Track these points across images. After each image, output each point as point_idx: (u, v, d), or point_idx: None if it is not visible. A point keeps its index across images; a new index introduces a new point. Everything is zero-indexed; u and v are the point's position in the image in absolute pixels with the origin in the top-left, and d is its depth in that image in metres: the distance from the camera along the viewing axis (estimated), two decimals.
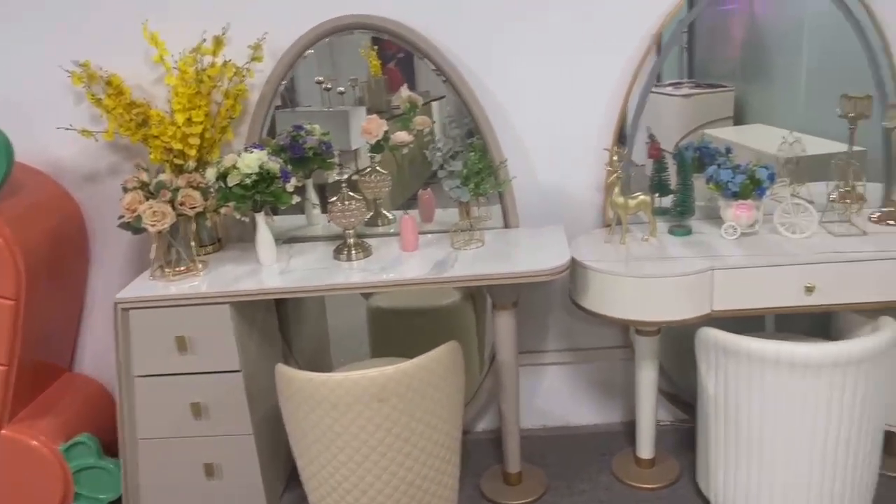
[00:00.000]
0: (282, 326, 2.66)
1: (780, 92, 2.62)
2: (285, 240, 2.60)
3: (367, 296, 2.82)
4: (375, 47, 2.56)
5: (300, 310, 2.75)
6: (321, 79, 2.55)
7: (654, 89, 2.49)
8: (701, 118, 2.62)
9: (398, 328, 2.87)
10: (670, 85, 2.61)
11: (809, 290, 2.15)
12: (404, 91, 2.54)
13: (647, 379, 2.43)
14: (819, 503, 2.07)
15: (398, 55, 2.57)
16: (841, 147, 2.42)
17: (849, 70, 2.46)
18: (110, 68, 2.40)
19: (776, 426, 2.04)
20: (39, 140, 2.55)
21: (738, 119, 2.62)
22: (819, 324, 2.50)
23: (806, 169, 2.52)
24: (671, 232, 2.44)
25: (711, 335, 2.10)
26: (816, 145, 2.53)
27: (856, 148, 2.39)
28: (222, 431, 2.34)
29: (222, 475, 2.39)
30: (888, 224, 2.36)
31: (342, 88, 2.59)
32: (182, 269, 2.31)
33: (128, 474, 2.36)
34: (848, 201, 2.36)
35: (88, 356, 2.85)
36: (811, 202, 2.34)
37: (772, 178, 2.30)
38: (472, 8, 2.43)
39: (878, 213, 2.41)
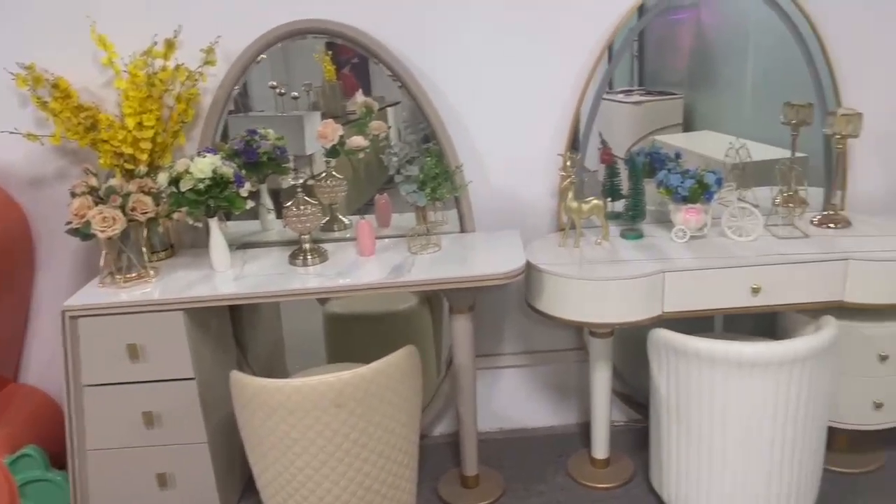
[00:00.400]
0: (236, 333, 2.62)
1: (726, 99, 2.69)
2: (239, 245, 2.57)
3: (323, 301, 2.80)
4: (330, 52, 2.56)
5: (255, 316, 2.72)
6: (275, 83, 2.54)
7: (605, 96, 2.54)
8: (651, 125, 2.68)
9: (355, 334, 2.86)
10: (621, 92, 2.66)
11: (755, 291, 2.22)
12: (359, 96, 2.54)
13: (602, 380, 2.47)
14: (767, 498, 2.14)
15: (353, 60, 2.57)
16: (784, 153, 2.50)
17: (791, 79, 2.55)
18: (57, 71, 2.34)
19: (726, 424, 2.09)
20: None
21: (687, 126, 2.68)
22: (765, 324, 2.58)
23: (751, 174, 2.60)
24: (623, 235, 2.49)
25: (662, 336, 2.15)
26: (761, 151, 2.61)
27: (798, 154, 2.48)
28: (176, 440, 2.30)
29: (176, 485, 2.34)
30: (828, 227, 2.45)
31: (296, 93, 2.58)
32: (133, 275, 2.26)
33: (77, 487, 2.30)
34: (791, 205, 2.44)
35: (34, 366, 2.77)
36: (756, 206, 2.41)
37: (719, 182, 2.37)
38: (427, 13, 2.45)
39: (819, 217, 2.50)
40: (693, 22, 2.62)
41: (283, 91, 2.56)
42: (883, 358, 2.30)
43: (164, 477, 2.33)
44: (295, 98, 2.57)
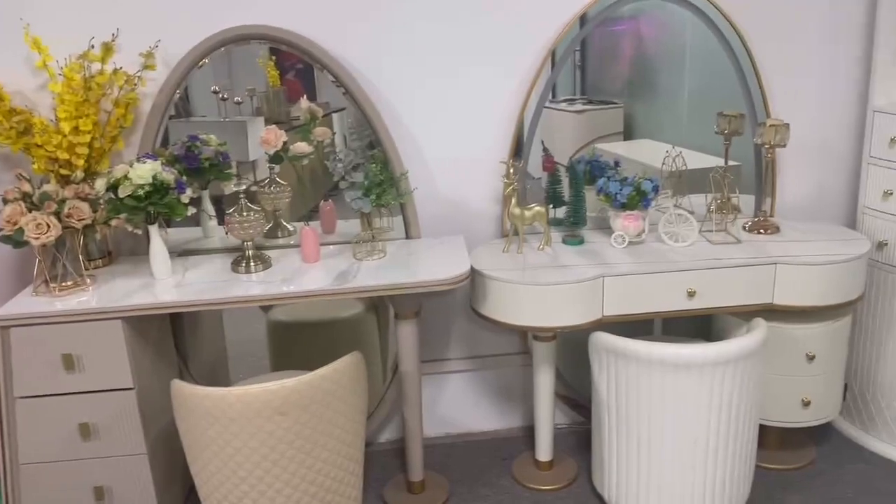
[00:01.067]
0: (177, 342, 2.57)
1: (665, 109, 2.78)
2: (180, 252, 2.53)
3: (266, 309, 2.77)
4: (274, 57, 2.55)
5: (196, 324, 2.67)
6: (217, 88, 2.51)
7: (548, 105, 2.60)
8: (593, 133, 2.75)
9: (299, 341, 2.84)
10: (564, 101, 2.72)
11: (691, 294, 2.29)
12: (304, 102, 2.53)
13: (545, 383, 2.52)
14: (703, 494, 2.21)
15: (297, 66, 2.56)
16: (719, 161, 2.60)
17: (725, 90, 2.65)
18: None
19: (664, 423, 2.16)
20: None
21: (628, 134, 2.76)
22: (702, 326, 2.66)
23: (687, 182, 2.69)
24: (565, 241, 2.54)
25: (603, 339, 2.20)
26: (697, 160, 2.70)
27: (732, 162, 2.58)
28: (113, 452, 2.24)
29: (113, 498, 2.28)
30: (759, 233, 2.55)
31: (239, 98, 2.55)
32: (69, 284, 2.20)
33: (9, 502, 2.22)
34: (724, 212, 2.54)
35: None
36: (692, 213, 2.50)
37: (656, 189, 2.44)
38: (371, 20, 2.46)
39: (751, 223, 2.60)
40: (633, 34, 2.70)
41: (225, 96, 2.54)
42: (810, 358, 2.40)
43: (101, 490, 2.27)
44: (238, 103, 2.55)
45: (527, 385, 2.85)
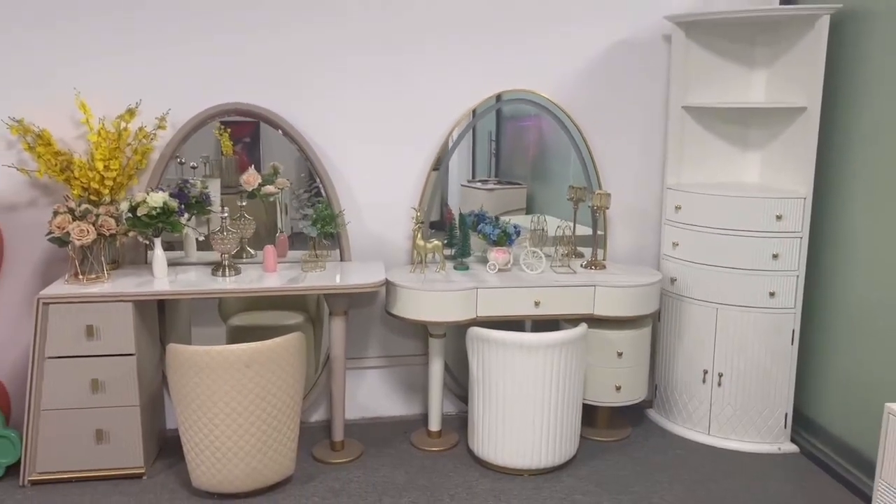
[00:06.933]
0: (161, 332, 3.39)
1: (555, 190, 3.74)
2: (168, 264, 3.37)
3: (226, 318, 3.61)
4: (228, 130, 3.38)
5: (173, 322, 3.49)
6: (177, 154, 3.33)
7: (467, 184, 3.59)
8: (501, 207, 3.68)
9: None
10: (479, 181, 3.71)
11: (537, 304, 3.29)
12: (251, 170, 3.33)
13: (437, 371, 3.44)
14: (541, 447, 3.14)
15: (245, 139, 3.40)
16: (586, 228, 3.61)
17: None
18: (40, 124, 3.14)
19: (514, 392, 3.11)
20: None
21: (529, 209, 3.70)
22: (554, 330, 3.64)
23: (547, 237, 3.66)
24: (455, 268, 3.53)
25: (475, 331, 3.17)
26: (575, 229, 3.63)
27: (587, 228, 3.60)
28: (114, 403, 3.02)
29: (110, 440, 3.04)
30: (591, 269, 3.59)
31: (195, 163, 3.39)
32: (93, 276, 3.04)
33: (29, 439, 2.96)
34: (568, 255, 3.58)
35: None
36: (548, 256, 3.52)
37: (518, 233, 3.47)
38: (325, 105, 3.44)
39: (586, 262, 3.64)
40: (536, 128, 3.67)
41: (182, 160, 3.39)
42: (619, 354, 3.42)
43: (102, 433, 3.03)
44: (193, 168, 3.40)
45: (426, 379, 3.75)
